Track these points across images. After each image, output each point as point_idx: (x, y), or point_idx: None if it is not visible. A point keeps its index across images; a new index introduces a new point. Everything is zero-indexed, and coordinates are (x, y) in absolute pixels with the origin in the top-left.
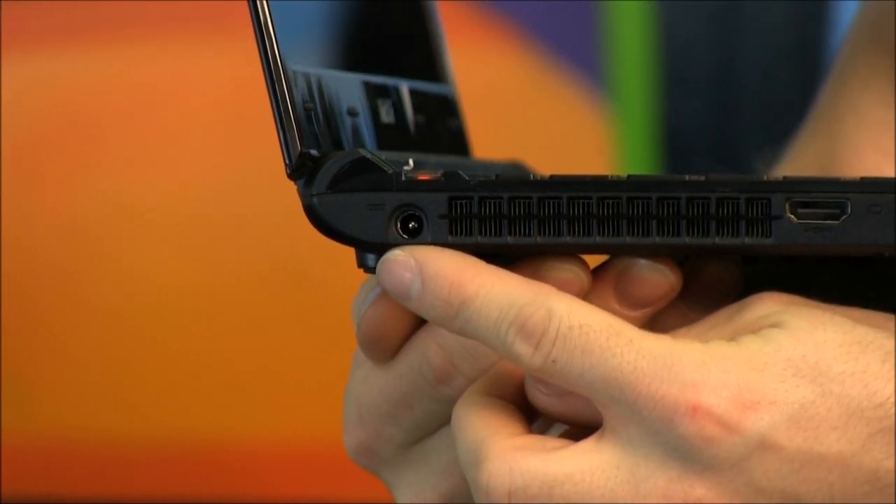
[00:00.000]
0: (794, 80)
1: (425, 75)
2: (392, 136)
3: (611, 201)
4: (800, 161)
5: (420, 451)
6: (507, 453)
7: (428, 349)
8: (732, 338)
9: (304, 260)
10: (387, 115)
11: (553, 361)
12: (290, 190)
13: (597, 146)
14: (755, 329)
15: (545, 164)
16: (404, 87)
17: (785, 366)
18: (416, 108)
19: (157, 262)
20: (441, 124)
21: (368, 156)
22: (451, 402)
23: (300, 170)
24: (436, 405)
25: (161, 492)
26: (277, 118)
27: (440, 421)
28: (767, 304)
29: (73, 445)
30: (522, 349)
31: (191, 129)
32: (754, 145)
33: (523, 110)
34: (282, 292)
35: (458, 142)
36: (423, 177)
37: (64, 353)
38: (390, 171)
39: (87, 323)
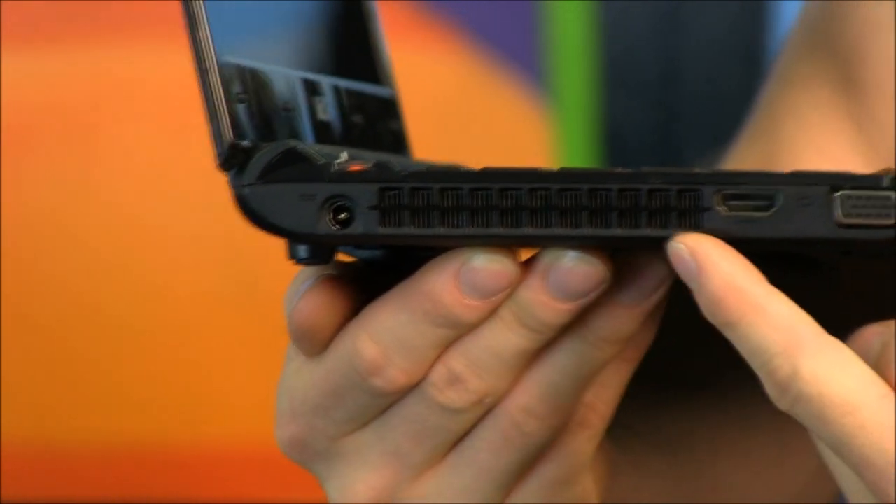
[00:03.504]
0: (736, 81)
1: (364, 76)
2: (329, 134)
3: (542, 192)
4: (741, 163)
5: (352, 443)
6: None
7: (359, 340)
8: None
9: (263, 262)
10: (323, 113)
11: (796, 413)
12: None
13: (538, 146)
14: None
15: (486, 164)
16: (342, 86)
17: None
18: (353, 108)
19: (144, 266)
20: (380, 125)
21: (299, 147)
22: (382, 395)
23: (231, 160)
24: (368, 398)
25: (157, 493)
26: (207, 107)
27: (372, 413)
28: None
29: (71, 447)
30: (771, 391)
31: (176, 129)
32: (696, 146)
33: (464, 110)
34: (246, 294)
35: (397, 143)
36: (354, 167)
37: (58, 356)
38: (321, 162)
39: (75, 325)
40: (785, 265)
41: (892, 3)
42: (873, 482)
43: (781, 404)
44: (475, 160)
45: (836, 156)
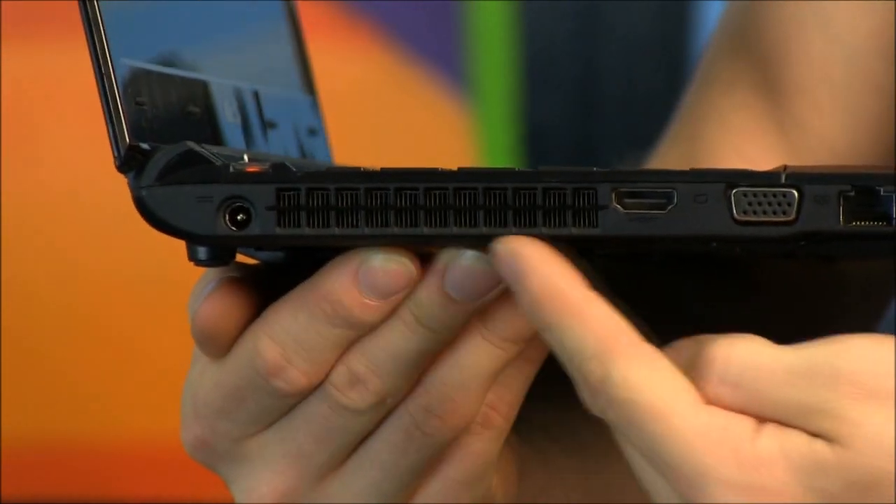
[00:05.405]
0: (657, 81)
1: (282, 80)
2: (238, 137)
3: (438, 192)
4: (663, 164)
5: (255, 445)
6: None
7: (259, 342)
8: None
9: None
10: (233, 116)
11: (608, 417)
12: None
13: (459, 146)
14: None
15: (409, 164)
16: (254, 90)
17: None
18: (266, 111)
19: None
20: (295, 127)
21: (197, 148)
22: (284, 396)
23: (129, 163)
24: (269, 399)
25: (157, 493)
26: (105, 110)
27: (275, 415)
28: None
29: (73, 446)
30: (584, 395)
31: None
32: (617, 145)
33: (385, 110)
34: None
35: (315, 145)
36: (251, 169)
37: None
38: (218, 164)
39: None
40: (678, 266)
41: (816, 2)
42: (681, 490)
43: (594, 408)
44: (397, 160)
45: (756, 158)
